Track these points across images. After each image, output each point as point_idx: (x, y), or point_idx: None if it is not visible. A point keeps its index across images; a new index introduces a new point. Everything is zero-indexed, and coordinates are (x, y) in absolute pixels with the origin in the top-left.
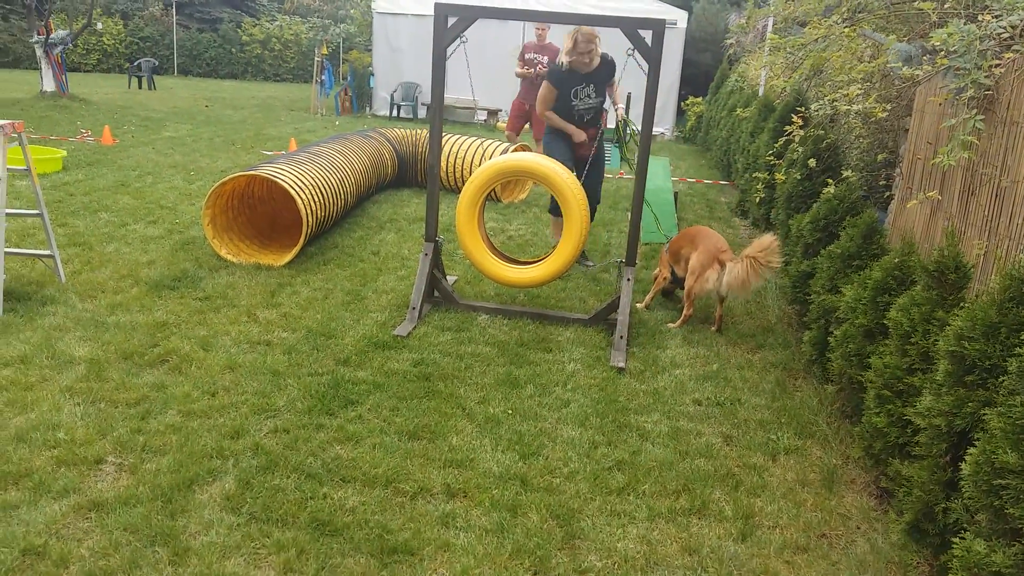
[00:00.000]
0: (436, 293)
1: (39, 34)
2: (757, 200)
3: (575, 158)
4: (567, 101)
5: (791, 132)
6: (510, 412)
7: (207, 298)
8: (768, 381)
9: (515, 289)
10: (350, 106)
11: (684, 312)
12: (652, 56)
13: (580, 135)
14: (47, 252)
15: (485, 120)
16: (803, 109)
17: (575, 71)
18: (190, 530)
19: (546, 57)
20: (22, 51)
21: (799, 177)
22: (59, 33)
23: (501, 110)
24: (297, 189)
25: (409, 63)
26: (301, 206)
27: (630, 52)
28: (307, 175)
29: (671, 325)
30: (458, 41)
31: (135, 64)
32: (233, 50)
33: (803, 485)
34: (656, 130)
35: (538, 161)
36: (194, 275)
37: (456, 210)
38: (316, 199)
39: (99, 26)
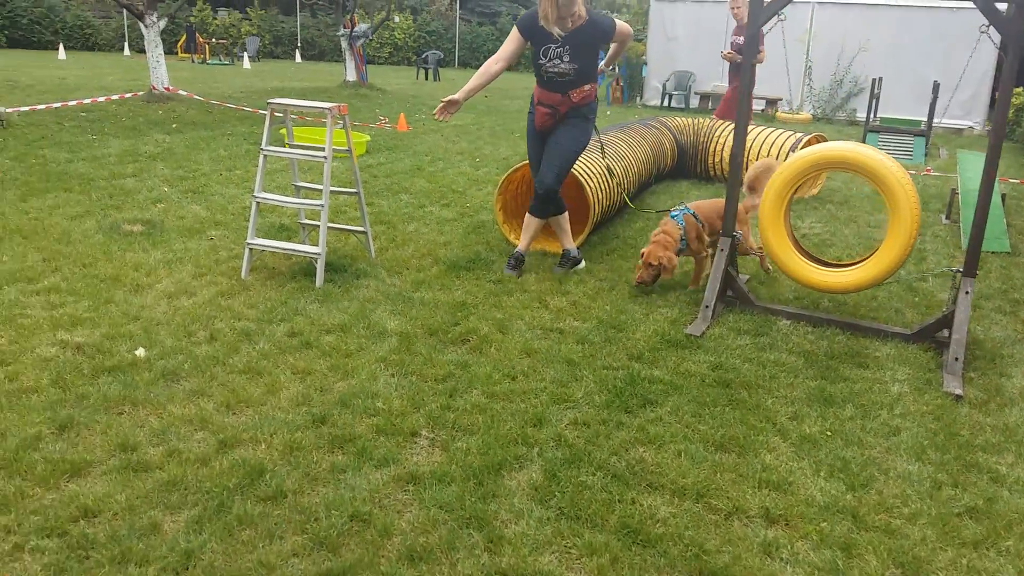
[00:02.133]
0: (729, 292)
1: (344, 28)
2: None
3: (535, 129)
4: (536, 59)
5: None
6: (829, 433)
7: (499, 281)
8: None
9: (821, 293)
10: (621, 96)
11: None
12: (1012, 32)
13: (443, 114)
14: (361, 229)
15: (763, 110)
16: None
17: (547, 28)
18: (501, 517)
19: (742, 37)
20: (326, 44)
21: None
22: (361, 27)
23: (781, 99)
24: (585, 177)
25: (684, 52)
26: (589, 194)
27: (984, 29)
28: (594, 164)
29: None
30: (776, 19)
31: (422, 56)
32: None
33: None
34: (963, 123)
35: (859, 150)
36: (486, 258)
37: (761, 203)
38: (603, 188)
39: (396, 20)
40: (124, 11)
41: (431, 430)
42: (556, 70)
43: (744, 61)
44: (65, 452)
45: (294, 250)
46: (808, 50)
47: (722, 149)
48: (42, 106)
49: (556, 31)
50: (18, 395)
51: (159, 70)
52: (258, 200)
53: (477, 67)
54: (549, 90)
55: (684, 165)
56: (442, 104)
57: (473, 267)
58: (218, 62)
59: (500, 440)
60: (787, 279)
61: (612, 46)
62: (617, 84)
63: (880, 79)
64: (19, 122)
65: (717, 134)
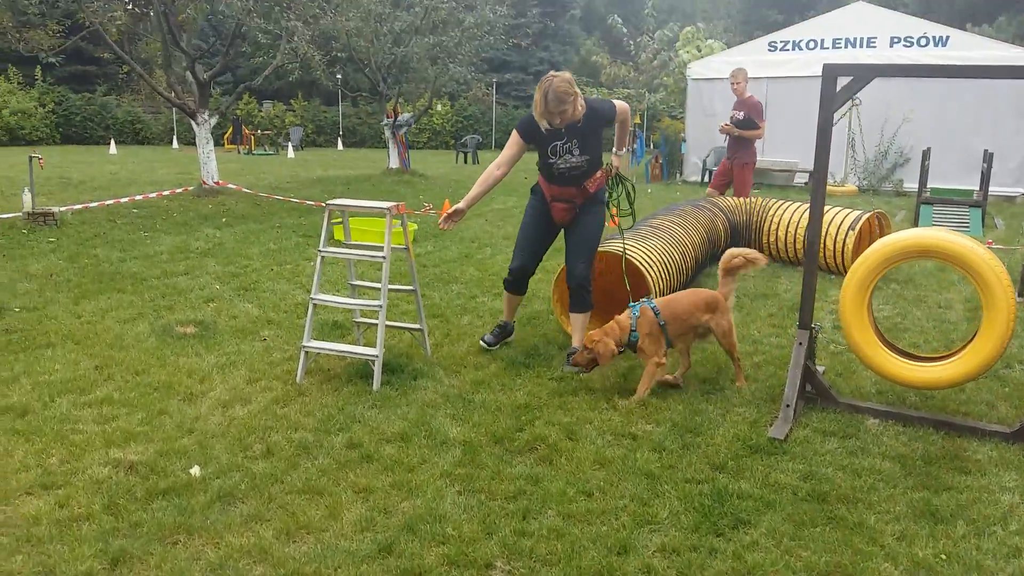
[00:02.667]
0: (809, 387)
1: (388, 117)
2: None
3: (551, 223)
4: (544, 159)
5: None
6: (943, 557)
7: (561, 379)
8: None
9: (907, 388)
10: (660, 173)
11: None
12: None
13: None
14: (417, 326)
15: (806, 183)
16: None
17: (550, 128)
18: None
19: (742, 112)
20: (366, 132)
21: None
22: (404, 116)
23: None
24: (647, 266)
25: None
26: (651, 284)
27: None
28: (654, 251)
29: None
30: (849, 104)
31: (461, 141)
32: None
33: None
34: (1014, 191)
35: (948, 238)
36: (545, 353)
37: (841, 295)
38: (663, 277)
39: (437, 107)
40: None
41: (507, 560)
42: (568, 165)
43: (818, 149)
44: None
45: (351, 352)
46: (850, 121)
47: (777, 228)
48: (95, 203)
49: (548, 125)
50: (69, 524)
51: (209, 165)
52: (316, 302)
53: None
54: (562, 185)
55: (737, 246)
56: (447, 214)
57: (532, 363)
58: (263, 152)
59: (583, 573)
60: (867, 371)
61: (616, 127)
62: (656, 162)
63: (930, 150)
64: (72, 220)
65: (771, 213)
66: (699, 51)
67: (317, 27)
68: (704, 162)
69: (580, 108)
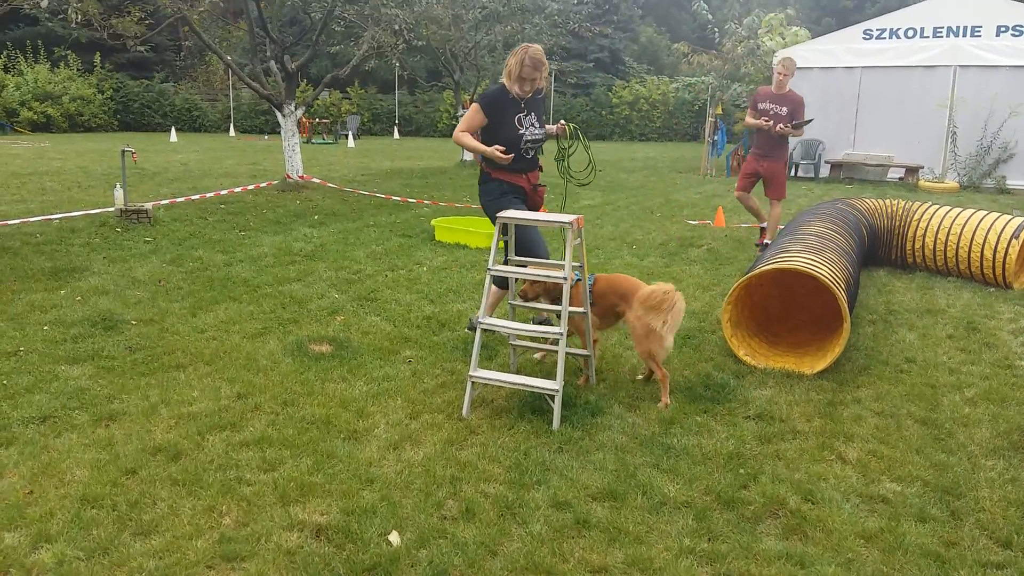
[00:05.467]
0: None
1: (464, 108)
2: None
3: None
4: (513, 130)
5: None
6: None
7: (759, 417)
8: None
9: None
10: (739, 166)
11: None
12: None
13: (505, 158)
14: (585, 352)
15: (901, 178)
16: None
17: (517, 98)
18: None
19: (785, 108)
20: (423, 120)
21: None
22: None
23: (923, 167)
24: (833, 282)
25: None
26: (842, 304)
27: None
28: (829, 265)
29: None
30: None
31: None
32: (603, 112)
33: None
34: None
35: None
36: (723, 382)
37: None
38: (844, 292)
39: None
40: (230, 92)
41: None
42: (533, 137)
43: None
44: None
45: (527, 386)
46: (951, 115)
47: (924, 234)
48: (181, 199)
49: (519, 91)
50: None
51: (294, 159)
52: (483, 327)
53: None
54: (529, 168)
55: (875, 252)
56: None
57: (716, 397)
58: (322, 141)
59: None
60: None
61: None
62: (738, 154)
63: None
64: (165, 217)
65: (916, 217)
66: (783, 39)
67: (411, 13)
68: (791, 155)
69: (544, 81)
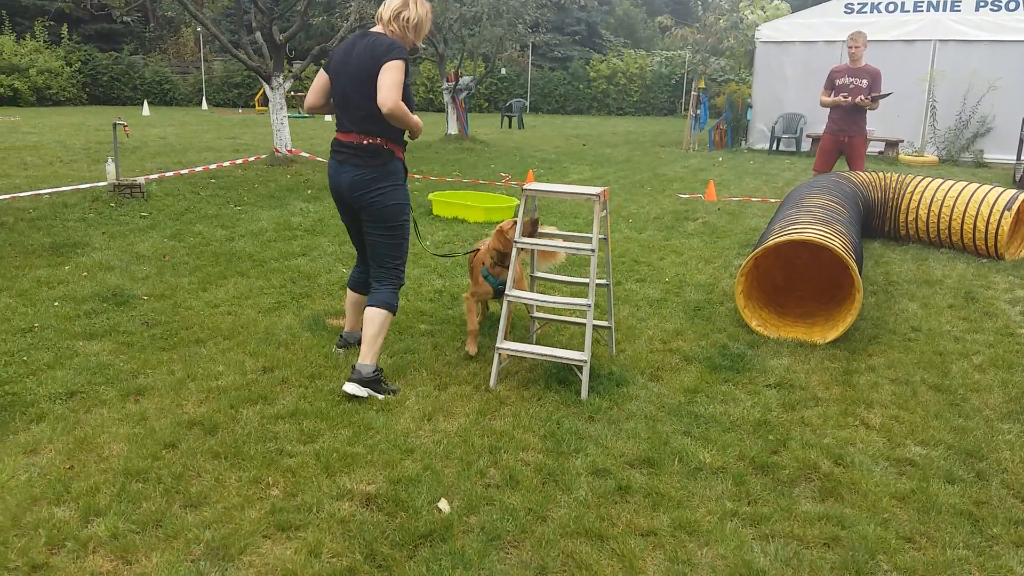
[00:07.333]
0: None
1: (448, 81)
2: None
3: None
4: (409, 91)
5: None
6: None
7: (779, 386)
8: None
9: None
10: (724, 141)
11: None
12: None
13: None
14: (606, 323)
15: (881, 152)
16: None
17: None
18: None
19: (864, 80)
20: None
21: None
22: (465, 79)
23: (903, 140)
24: (847, 253)
25: (792, 94)
26: (855, 275)
27: None
28: (839, 236)
29: None
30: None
31: (507, 105)
32: (580, 86)
33: None
34: None
35: None
36: (739, 352)
37: None
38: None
39: (503, 71)
40: (202, 65)
41: None
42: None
43: None
44: None
45: (555, 357)
46: (930, 89)
47: (918, 206)
48: (170, 173)
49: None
50: None
51: (282, 132)
52: (510, 299)
53: (547, 111)
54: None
55: (870, 224)
56: None
57: (735, 366)
58: (297, 115)
59: None
60: None
61: None
62: (719, 128)
63: None
64: (157, 192)
65: (910, 189)
66: (764, 11)
67: None
68: (772, 129)
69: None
